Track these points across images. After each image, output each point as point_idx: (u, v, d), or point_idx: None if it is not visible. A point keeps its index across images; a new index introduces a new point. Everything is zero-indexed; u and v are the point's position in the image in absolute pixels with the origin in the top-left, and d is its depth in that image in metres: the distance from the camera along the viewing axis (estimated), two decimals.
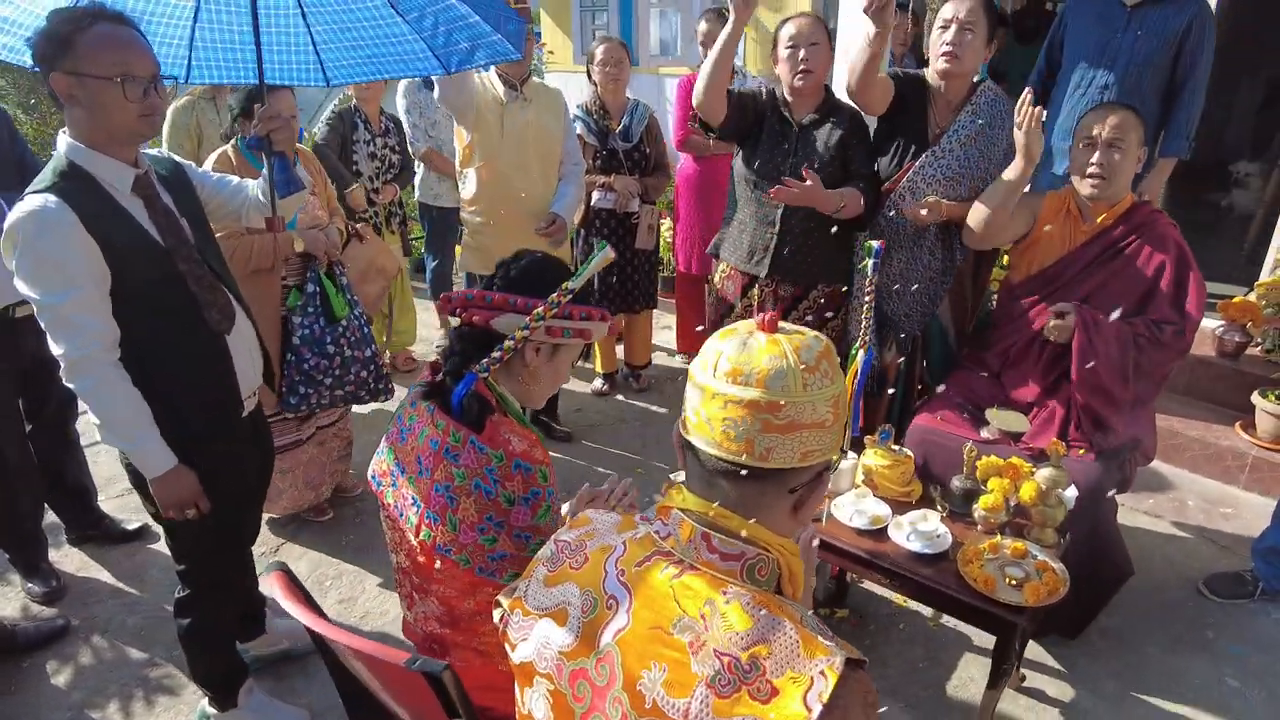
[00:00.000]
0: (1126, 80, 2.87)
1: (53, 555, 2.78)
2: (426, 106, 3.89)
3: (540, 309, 1.29)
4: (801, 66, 2.47)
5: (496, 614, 1.11)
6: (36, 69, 1.72)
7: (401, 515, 1.36)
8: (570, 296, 1.28)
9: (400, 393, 3.02)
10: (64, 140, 1.63)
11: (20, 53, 1.70)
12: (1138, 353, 2.23)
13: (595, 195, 3.53)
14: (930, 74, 2.44)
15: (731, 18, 2.27)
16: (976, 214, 2.34)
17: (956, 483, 2.12)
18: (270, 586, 1.34)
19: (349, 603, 2.64)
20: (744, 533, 0.93)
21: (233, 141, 2.65)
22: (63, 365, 1.61)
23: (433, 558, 1.33)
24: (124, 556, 2.88)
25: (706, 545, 0.93)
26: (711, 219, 3.85)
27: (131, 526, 2.97)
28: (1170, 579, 2.66)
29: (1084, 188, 2.29)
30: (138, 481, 1.79)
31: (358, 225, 3.21)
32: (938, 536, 1.96)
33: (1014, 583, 1.81)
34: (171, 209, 1.74)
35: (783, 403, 0.89)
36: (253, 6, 1.76)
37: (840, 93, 2.70)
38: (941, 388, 2.51)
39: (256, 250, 2.47)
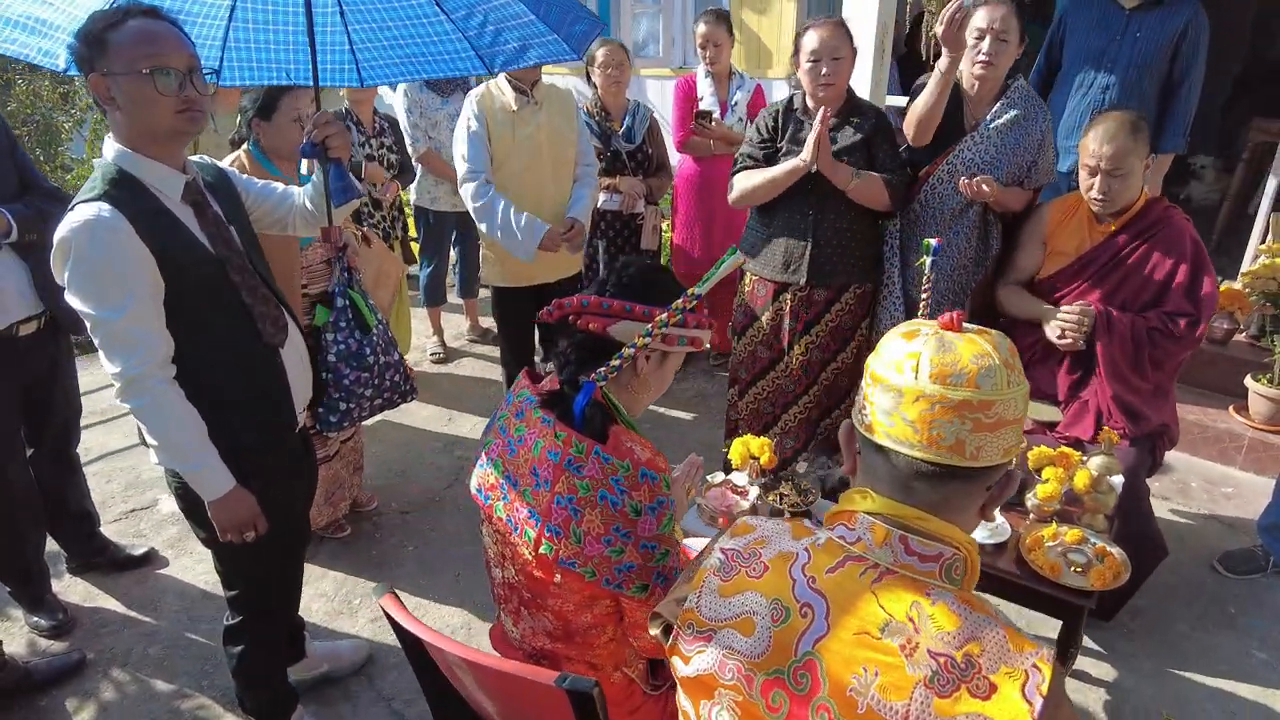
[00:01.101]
0: (1126, 81, 2.98)
1: (54, 586, 2.63)
2: (428, 107, 3.79)
3: (663, 316, 1.27)
4: (824, 80, 2.47)
5: (654, 627, 1.09)
6: (68, 72, 1.65)
7: (516, 529, 1.33)
8: (695, 303, 1.27)
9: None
10: (111, 146, 1.55)
11: (54, 56, 1.60)
12: (1152, 346, 2.32)
13: (601, 198, 3.51)
14: (964, 76, 2.49)
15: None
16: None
17: None
18: (388, 608, 1.29)
19: (381, 621, 2.56)
20: (942, 533, 0.94)
21: (245, 146, 2.55)
22: (117, 384, 1.53)
23: (552, 571, 1.29)
24: (133, 584, 2.74)
25: (904, 548, 0.93)
26: (712, 219, 3.86)
27: (137, 552, 2.83)
28: (1185, 558, 2.76)
29: (1091, 204, 2.37)
30: (189, 504, 1.71)
31: (363, 229, 3.12)
32: (998, 527, 2.00)
33: (1078, 569, 1.86)
34: (221, 217, 1.66)
35: (994, 401, 0.90)
36: (307, 6, 1.69)
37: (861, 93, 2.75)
38: None
39: None
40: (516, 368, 3.31)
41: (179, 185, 1.58)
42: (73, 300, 1.50)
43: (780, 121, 2.62)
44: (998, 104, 2.47)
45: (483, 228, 2.92)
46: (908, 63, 4.53)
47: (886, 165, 2.55)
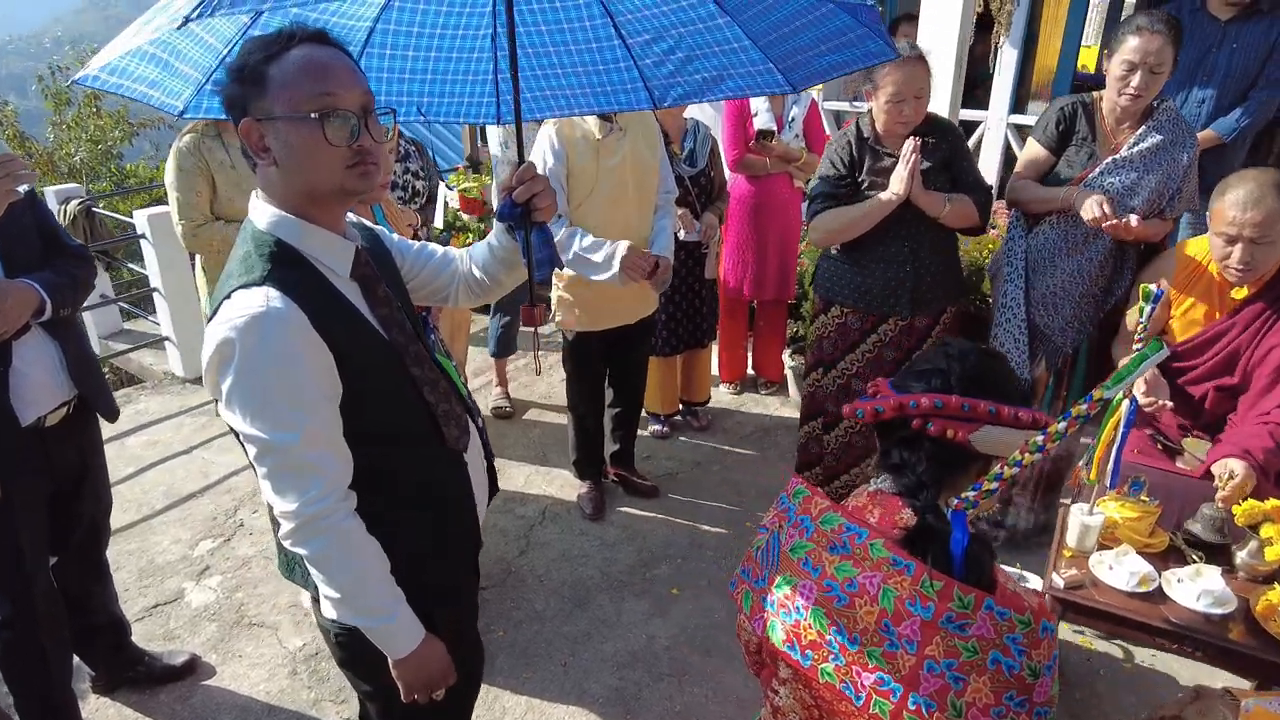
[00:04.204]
0: (1223, 96, 2.90)
1: (82, 712, 2.20)
2: (527, 138, 3.43)
3: (1061, 426, 1.02)
4: (904, 119, 2.38)
5: None
6: (184, 115, 1.30)
7: (857, 698, 1.06)
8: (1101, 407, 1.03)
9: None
10: (264, 209, 1.19)
11: (177, 96, 1.25)
12: None
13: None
14: (1105, 100, 2.33)
15: (892, 192, 2.35)
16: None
17: (1199, 529, 2.02)
18: None
19: None
20: None
21: None
22: (287, 524, 1.17)
23: None
24: (176, 701, 2.33)
25: None
26: (766, 242, 3.65)
27: (177, 661, 2.41)
28: None
29: (1227, 275, 2.14)
30: (354, 656, 1.35)
31: None
32: (1220, 594, 1.84)
33: None
34: (390, 295, 1.32)
35: None
36: (509, 23, 1.36)
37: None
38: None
39: None
40: (590, 415, 3.02)
41: (349, 257, 1.24)
42: (233, 418, 1.14)
43: (855, 153, 2.48)
44: (1143, 127, 2.31)
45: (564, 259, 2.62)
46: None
47: (969, 184, 2.47)
